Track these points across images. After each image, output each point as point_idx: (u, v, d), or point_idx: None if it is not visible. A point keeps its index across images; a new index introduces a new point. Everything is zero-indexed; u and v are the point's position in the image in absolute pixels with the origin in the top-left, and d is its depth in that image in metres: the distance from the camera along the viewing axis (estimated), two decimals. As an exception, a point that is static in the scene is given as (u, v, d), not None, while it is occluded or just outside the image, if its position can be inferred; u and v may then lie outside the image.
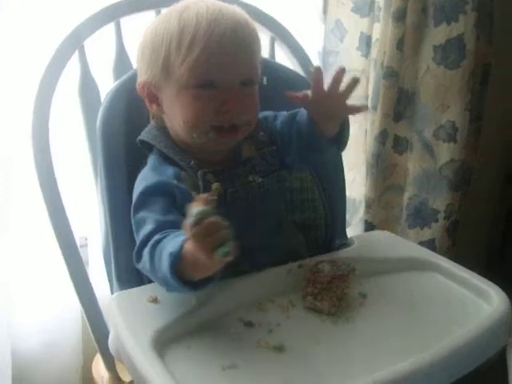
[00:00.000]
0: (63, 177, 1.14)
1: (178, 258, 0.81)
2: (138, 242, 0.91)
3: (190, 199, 0.88)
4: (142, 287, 0.97)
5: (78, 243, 1.17)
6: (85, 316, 1.18)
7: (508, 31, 1.82)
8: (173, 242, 0.83)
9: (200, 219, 0.75)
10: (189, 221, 0.76)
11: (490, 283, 0.96)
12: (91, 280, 1.18)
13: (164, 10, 1.19)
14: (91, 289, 1.17)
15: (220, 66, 0.93)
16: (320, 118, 0.98)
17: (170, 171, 0.97)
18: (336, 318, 0.91)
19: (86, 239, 1.42)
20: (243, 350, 0.83)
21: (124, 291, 0.96)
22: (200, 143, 0.97)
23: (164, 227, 0.89)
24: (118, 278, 1.05)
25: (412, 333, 0.88)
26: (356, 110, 0.98)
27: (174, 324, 0.86)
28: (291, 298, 0.94)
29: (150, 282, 0.99)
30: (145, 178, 0.97)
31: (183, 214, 0.80)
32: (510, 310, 0.91)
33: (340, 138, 1.01)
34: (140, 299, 0.92)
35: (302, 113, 1.02)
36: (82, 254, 1.17)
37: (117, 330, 0.87)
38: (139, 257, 0.90)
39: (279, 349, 0.83)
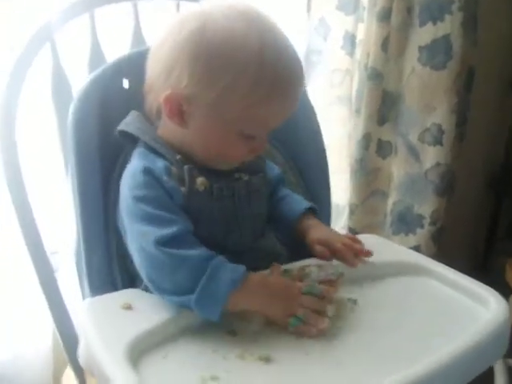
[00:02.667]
0: (32, 176, 1.07)
1: (237, 287, 0.81)
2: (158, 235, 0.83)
3: (180, 196, 0.88)
4: (115, 293, 0.90)
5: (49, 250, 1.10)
6: (55, 326, 1.12)
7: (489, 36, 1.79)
8: (231, 268, 0.82)
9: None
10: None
11: (488, 288, 0.90)
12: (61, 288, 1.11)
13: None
14: (61, 297, 1.11)
15: (269, 126, 0.92)
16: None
17: (160, 163, 0.91)
18: (325, 325, 0.85)
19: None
20: (226, 360, 0.77)
21: (95, 297, 0.89)
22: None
23: (189, 234, 0.86)
24: (91, 283, 0.98)
25: (407, 341, 0.82)
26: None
27: (149, 332, 0.79)
28: (276, 305, 0.88)
29: (124, 286, 0.94)
30: (136, 171, 0.90)
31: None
32: (510, 316, 0.86)
33: None
34: (113, 306, 0.84)
35: (289, 203, 1.06)
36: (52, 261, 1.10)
37: (87, 339, 0.80)
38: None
39: (265, 360, 0.76)
